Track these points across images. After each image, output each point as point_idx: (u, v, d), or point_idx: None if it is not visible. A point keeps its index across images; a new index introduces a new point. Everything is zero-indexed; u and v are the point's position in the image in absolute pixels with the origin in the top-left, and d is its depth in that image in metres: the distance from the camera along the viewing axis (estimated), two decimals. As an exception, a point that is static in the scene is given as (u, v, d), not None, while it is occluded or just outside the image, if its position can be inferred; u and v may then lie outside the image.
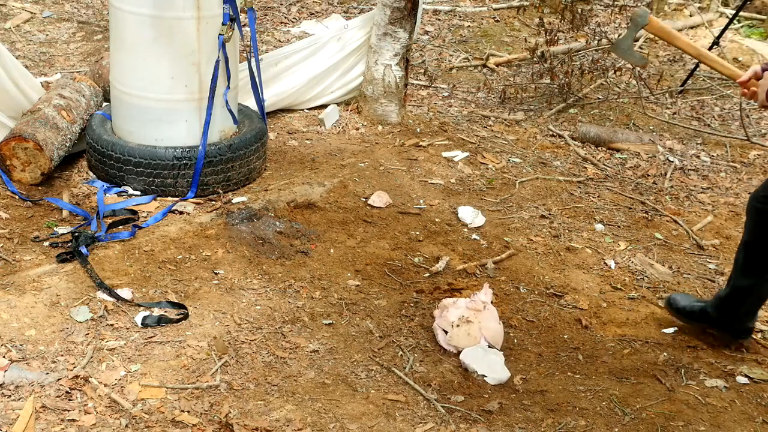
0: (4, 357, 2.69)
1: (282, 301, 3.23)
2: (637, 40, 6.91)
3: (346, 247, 3.68)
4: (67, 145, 4.00)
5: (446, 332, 3.04)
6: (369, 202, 4.08)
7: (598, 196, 4.43)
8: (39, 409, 2.50)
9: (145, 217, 3.70)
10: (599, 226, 4.11)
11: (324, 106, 5.12)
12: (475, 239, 3.88)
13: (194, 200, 3.89)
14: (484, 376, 2.88)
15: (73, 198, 3.81)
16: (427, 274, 3.54)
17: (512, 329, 3.22)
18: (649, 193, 4.54)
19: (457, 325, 3.01)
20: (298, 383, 2.79)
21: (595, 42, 6.39)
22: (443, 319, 3.08)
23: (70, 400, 2.56)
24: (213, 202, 3.89)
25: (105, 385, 2.64)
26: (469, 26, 7.38)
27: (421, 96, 5.73)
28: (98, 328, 2.92)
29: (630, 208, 4.33)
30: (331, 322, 3.14)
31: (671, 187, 4.64)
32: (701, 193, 4.59)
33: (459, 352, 2.99)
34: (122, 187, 3.88)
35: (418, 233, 3.88)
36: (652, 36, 7.22)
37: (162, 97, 3.82)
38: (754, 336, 3.29)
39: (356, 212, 3.98)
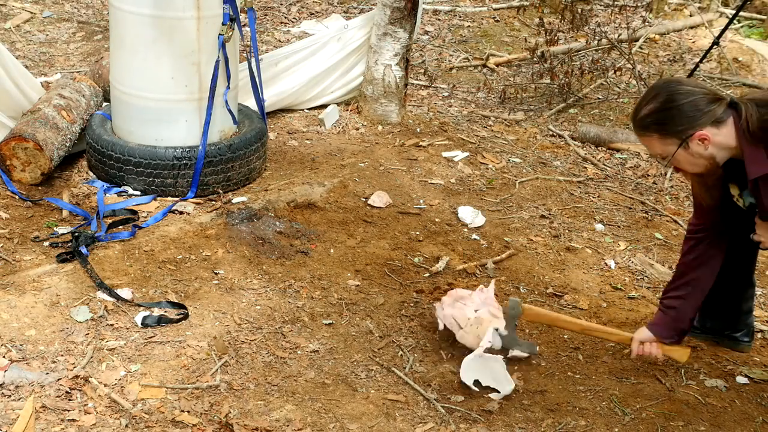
0: (4, 357, 2.69)
1: (282, 301, 3.23)
2: (637, 40, 6.91)
3: (346, 247, 3.68)
4: (67, 145, 4.00)
5: (461, 327, 2.94)
6: (369, 202, 4.08)
7: (598, 196, 4.43)
8: (39, 409, 2.50)
9: (145, 217, 3.70)
10: (599, 226, 4.11)
11: (324, 106, 5.12)
12: (475, 239, 3.88)
13: (194, 200, 3.89)
14: (491, 388, 2.84)
15: (73, 198, 3.81)
16: (427, 274, 3.54)
17: (512, 329, 3.22)
18: (649, 193, 4.54)
19: (471, 324, 2.93)
20: (298, 383, 2.79)
21: (595, 42, 6.39)
22: (458, 310, 2.96)
23: (70, 400, 2.56)
24: (213, 202, 3.89)
25: (105, 385, 2.64)
26: (469, 26, 7.38)
27: (421, 96, 5.73)
28: (98, 328, 2.92)
29: (630, 208, 4.33)
30: (331, 322, 3.14)
31: (671, 187, 4.64)
32: (701, 193, 4.58)
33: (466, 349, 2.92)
34: (122, 187, 3.88)
35: (418, 233, 3.88)
36: (651, 36, 7.22)
37: (162, 97, 3.82)
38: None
39: (356, 212, 3.98)
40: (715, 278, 2.82)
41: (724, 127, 2.42)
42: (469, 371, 2.83)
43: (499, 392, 2.81)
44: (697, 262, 2.79)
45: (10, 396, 2.54)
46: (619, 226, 4.13)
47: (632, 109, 2.54)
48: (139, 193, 3.87)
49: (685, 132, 2.41)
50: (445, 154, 4.74)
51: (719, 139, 2.42)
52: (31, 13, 6.41)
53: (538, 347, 3.05)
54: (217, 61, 3.81)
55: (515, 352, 2.97)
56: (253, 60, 4.20)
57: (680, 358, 2.87)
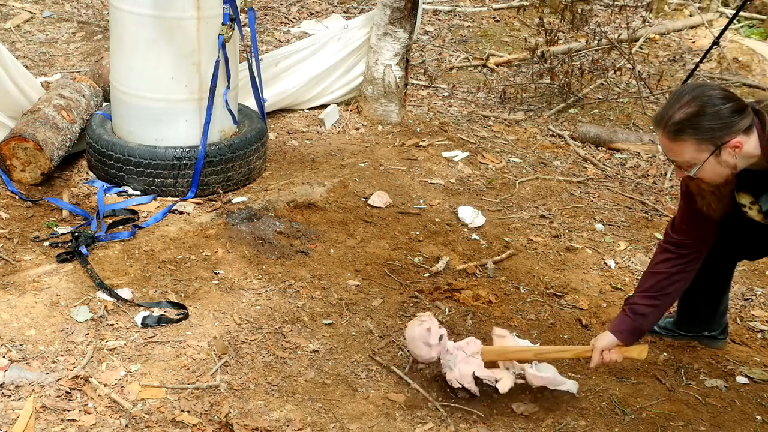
0: (4, 357, 2.69)
1: (282, 301, 3.23)
2: (637, 40, 6.91)
3: (346, 247, 3.68)
4: (67, 145, 4.00)
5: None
6: (369, 202, 4.08)
7: (598, 196, 4.43)
8: (39, 409, 2.50)
9: (145, 217, 3.70)
10: (599, 226, 4.11)
11: (324, 106, 5.12)
12: (475, 239, 3.88)
13: (194, 200, 3.89)
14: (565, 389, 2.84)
15: (73, 198, 3.81)
16: (427, 274, 3.54)
17: (512, 329, 3.22)
18: (649, 193, 4.54)
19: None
20: (298, 383, 2.79)
21: (595, 42, 6.39)
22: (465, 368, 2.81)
23: (70, 400, 2.56)
24: (213, 202, 3.89)
25: (105, 385, 2.64)
26: (469, 26, 7.38)
27: (421, 96, 5.73)
28: (98, 328, 2.92)
29: (630, 208, 4.33)
30: (331, 322, 3.14)
31: (671, 187, 4.64)
32: (701, 193, 4.58)
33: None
34: (122, 187, 3.88)
35: (418, 233, 3.88)
36: (651, 36, 7.22)
37: (162, 97, 3.82)
38: (753, 335, 3.29)
39: (356, 212, 3.98)
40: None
41: (752, 135, 2.35)
42: (535, 377, 2.83)
43: (567, 390, 2.83)
44: (679, 277, 2.71)
45: (10, 396, 2.54)
46: (619, 226, 4.13)
47: (658, 112, 2.42)
48: (139, 193, 3.87)
49: (721, 138, 2.32)
50: (445, 154, 4.74)
51: (747, 147, 2.35)
52: (31, 13, 6.41)
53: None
54: (217, 61, 3.82)
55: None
56: (253, 60, 4.20)
57: (640, 356, 2.78)
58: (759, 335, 3.31)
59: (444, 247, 3.78)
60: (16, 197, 3.78)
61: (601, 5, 7.95)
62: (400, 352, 3.01)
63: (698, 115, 2.31)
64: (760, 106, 2.39)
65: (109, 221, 3.61)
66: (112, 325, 2.95)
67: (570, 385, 2.84)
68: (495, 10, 7.76)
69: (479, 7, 7.82)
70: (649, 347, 3.17)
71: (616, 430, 2.71)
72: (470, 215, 4.04)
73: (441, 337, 2.79)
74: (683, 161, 2.41)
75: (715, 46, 5.80)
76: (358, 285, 3.41)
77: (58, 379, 2.62)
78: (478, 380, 2.75)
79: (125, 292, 3.13)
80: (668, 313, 3.40)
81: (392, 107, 5.05)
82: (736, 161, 2.37)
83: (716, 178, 2.43)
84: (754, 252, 2.92)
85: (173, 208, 3.78)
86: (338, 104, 5.17)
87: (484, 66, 6.47)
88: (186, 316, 3.04)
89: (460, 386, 2.73)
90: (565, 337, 3.21)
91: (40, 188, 3.90)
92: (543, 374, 2.79)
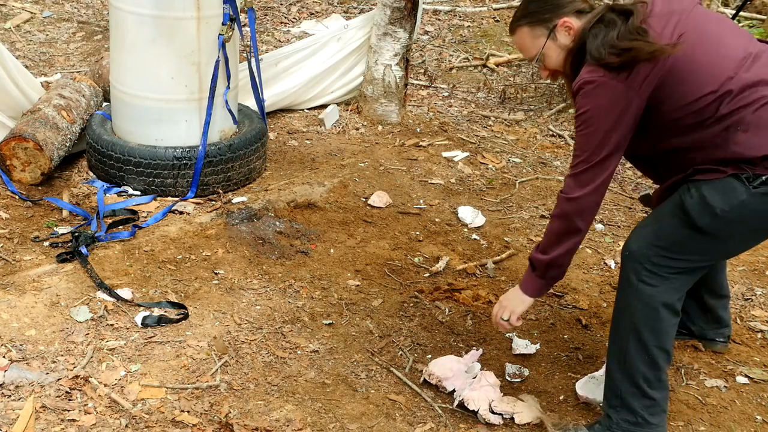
0: (4, 357, 2.69)
1: (282, 301, 3.23)
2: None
3: (346, 247, 3.68)
4: (67, 145, 4.00)
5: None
6: (369, 202, 4.08)
7: (598, 196, 4.42)
8: (39, 409, 2.50)
9: (145, 217, 3.70)
10: (599, 226, 4.11)
11: (324, 106, 5.12)
12: (475, 239, 3.88)
13: (194, 200, 3.89)
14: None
15: (73, 198, 3.81)
16: (427, 274, 3.54)
17: (512, 329, 3.21)
18: (649, 193, 4.54)
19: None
20: (298, 383, 2.79)
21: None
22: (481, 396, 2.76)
23: (70, 400, 2.56)
24: (213, 202, 3.89)
25: (105, 385, 2.64)
26: (469, 26, 7.38)
27: (421, 96, 5.73)
28: (98, 328, 2.92)
29: (630, 208, 4.33)
30: (331, 322, 3.14)
31: (671, 187, 4.63)
32: (701, 193, 4.58)
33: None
34: (122, 187, 3.88)
35: (418, 233, 3.88)
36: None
37: (162, 97, 3.82)
38: (753, 335, 3.29)
39: (356, 212, 3.98)
40: None
41: (583, 20, 2.41)
42: (585, 390, 2.83)
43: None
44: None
45: (10, 396, 2.54)
46: (619, 226, 4.13)
47: None
48: (139, 193, 3.87)
49: (551, 20, 2.43)
50: (445, 154, 4.74)
51: (578, 28, 2.41)
52: (31, 13, 6.41)
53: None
54: (217, 61, 3.82)
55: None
56: (253, 60, 4.20)
57: None
58: (759, 335, 3.31)
59: (444, 247, 3.78)
60: (16, 197, 3.78)
61: (601, 5, 7.95)
62: (400, 352, 3.01)
63: (526, 3, 2.48)
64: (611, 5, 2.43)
65: (109, 221, 3.61)
66: (112, 325, 2.95)
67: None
68: (495, 10, 7.76)
69: (479, 7, 7.82)
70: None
71: (616, 430, 2.71)
72: (470, 215, 4.04)
73: (470, 368, 2.79)
74: (529, 55, 2.52)
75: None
76: (358, 285, 3.41)
77: (58, 379, 2.62)
78: (494, 412, 2.71)
79: (125, 292, 3.13)
80: None
81: (392, 107, 5.05)
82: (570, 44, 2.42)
83: (562, 63, 2.48)
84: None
85: (173, 208, 3.78)
86: (338, 104, 5.17)
87: (484, 66, 6.47)
88: (186, 316, 3.04)
89: (477, 410, 2.69)
90: (565, 337, 3.21)
91: (40, 188, 3.90)
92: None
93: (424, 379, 2.84)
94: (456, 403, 2.72)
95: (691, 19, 2.34)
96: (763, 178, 2.25)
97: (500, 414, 2.68)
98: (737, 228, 2.35)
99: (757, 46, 2.36)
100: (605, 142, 2.33)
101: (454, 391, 2.78)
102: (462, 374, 2.81)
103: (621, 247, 3.85)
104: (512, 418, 2.68)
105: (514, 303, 2.66)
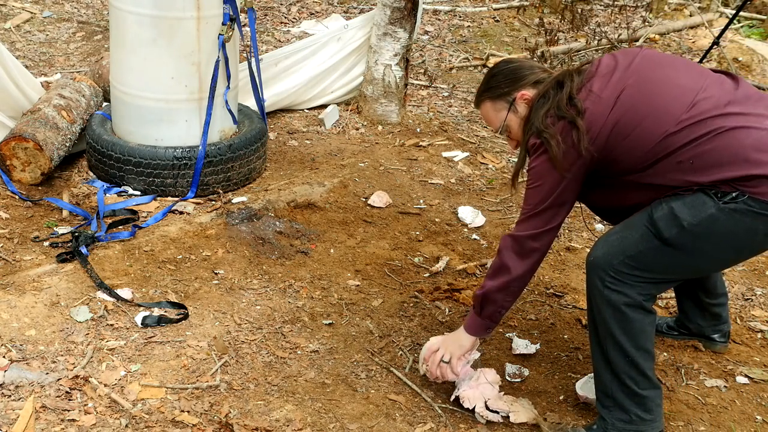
0: (4, 357, 2.69)
1: (282, 301, 3.23)
2: (637, 40, 6.91)
3: (346, 247, 3.68)
4: (67, 145, 4.00)
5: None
6: (369, 202, 4.08)
7: (598, 196, 4.42)
8: (39, 409, 2.50)
9: (145, 217, 3.70)
10: (599, 226, 4.11)
11: (324, 106, 5.12)
12: (475, 239, 3.88)
13: (194, 200, 3.89)
14: None
15: (73, 198, 3.81)
16: (427, 274, 3.54)
17: (512, 329, 3.22)
18: (649, 193, 4.53)
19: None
20: (298, 383, 2.79)
21: (595, 42, 6.39)
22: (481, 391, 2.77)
23: (70, 400, 2.56)
24: (213, 202, 3.89)
25: (105, 385, 2.64)
26: (469, 26, 7.38)
27: (421, 96, 5.73)
28: (98, 328, 2.92)
29: (630, 208, 4.33)
30: (331, 322, 3.14)
31: (671, 187, 4.63)
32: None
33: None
34: (122, 187, 3.88)
35: (418, 233, 3.88)
36: (651, 36, 7.22)
37: (162, 97, 3.82)
38: (753, 335, 3.29)
39: (356, 212, 3.98)
40: None
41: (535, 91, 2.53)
42: (584, 390, 2.82)
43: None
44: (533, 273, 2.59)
45: (10, 396, 2.54)
46: (619, 226, 4.13)
47: None
48: (139, 193, 3.87)
49: (510, 93, 2.56)
50: (445, 154, 4.74)
51: (532, 98, 2.52)
52: (31, 13, 6.41)
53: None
54: (217, 61, 3.82)
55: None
56: (253, 60, 4.20)
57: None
58: (759, 335, 3.31)
59: (444, 247, 3.78)
60: (16, 197, 3.78)
61: (601, 5, 7.95)
62: (400, 352, 3.01)
63: (487, 79, 2.62)
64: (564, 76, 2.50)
65: (109, 221, 3.61)
66: (112, 325, 2.95)
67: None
68: (495, 10, 7.76)
69: (479, 7, 7.82)
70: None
71: (616, 430, 2.71)
72: (470, 215, 4.05)
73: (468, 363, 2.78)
74: (494, 127, 2.65)
75: (715, 46, 5.81)
76: (358, 285, 3.41)
77: (58, 379, 2.62)
78: (490, 410, 2.70)
79: (125, 292, 3.13)
80: (668, 314, 3.40)
81: (392, 107, 5.05)
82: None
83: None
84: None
85: (173, 208, 3.78)
86: (338, 104, 5.17)
87: (484, 66, 6.46)
88: (186, 316, 3.04)
89: (472, 407, 2.69)
90: (565, 337, 3.21)
91: (40, 188, 3.90)
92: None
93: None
94: (453, 398, 2.73)
95: (633, 71, 2.41)
96: (733, 194, 2.26)
97: (496, 411, 2.68)
98: (705, 243, 2.34)
99: (710, 78, 2.39)
100: (551, 197, 2.44)
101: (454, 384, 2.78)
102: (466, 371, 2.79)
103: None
104: (508, 417, 2.68)
105: (453, 344, 2.70)
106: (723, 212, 2.28)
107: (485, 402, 2.69)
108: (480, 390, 2.72)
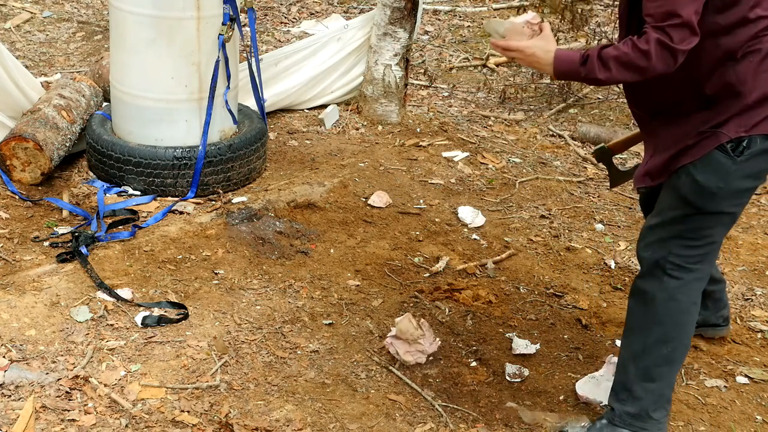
0: (4, 357, 2.69)
1: (282, 301, 3.23)
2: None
3: (346, 247, 3.68)
4: (67, 145, 4.00)
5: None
6: (369, 202, 4.08)
7: (598, 196, 4.43)
8: (39, 409, 2.50)
9: (145, 217, 3.70)
10: (599, 226, 4.11)
11: (324, 106, 5.12)
12: (475, 239, 3.88)
13: (194, 200, 3.89)
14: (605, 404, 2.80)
15: (73, 198, 3.81)
16: (427, 274, 3.54)
17: (512, 329, 3.22)
18: (649, 193, 4.54)
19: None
20: (298, 383, 2.79)
21: (595, 42, 6.39)
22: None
23: (70, 400, 2.56)
24: (213, 202, 3.89)
25: (105, 385, 2.64)
26: (469, 26, 7.38)
27: (421, 96, 5.73)
28: (98, 328, 2.92)
29: (630, 208, 4.33)
30: (331, 322, 3.14)
31: (671, 187, 4.63)
32: (701, 193, 4.58)
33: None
34: (122, 187, 3.88)
35: (418, 233, 3.88)
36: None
37: (162, 97, 3.82)
38: (753, 335, 3.29)
39: (356, 212, 3.98)
40: None
41: None
42: (584, 390, 2.83)
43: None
44: None
45: (10, 396, 2.54)
46: (619, 226, 4.13)
47: None
48: (139, 193, 3.87)
49: None
50: (445, 154, 4.74)
51: None
52: (31, 13, 6.41)
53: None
54: (217, 61, 3.82)
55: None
56: (253, 60, 4.20)
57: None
58: (759, 335, 3.31)
59: (444, 247, 3.78)
60: (16, 197, 3.78)
61: (601, 5, 7.95)
62: (400, 352, 3.01)
63: None
64: None
65: (109, 221, 3.61)
66: (112, 325, 2.95)
67: None
68: (495, 10, 7.76)
69: (479, 7, 7.82)
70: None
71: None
72: (470, 215, 4.04)
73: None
74: None
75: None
76: (358, 285, 3.41)
77: (58, 379, 2.62)
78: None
79: (125, 292, 3.13)
80: None
81: (392, 107, 5.05)
82: None
83: None
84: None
85: (173, 208, 3.78)
86: (338, 104, 5.17)
87: (484, 66, 6.47)
88: (186, 316, 3.04)
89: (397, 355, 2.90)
90: (565, 337, 3.21)
91: (40, 188, 3.90)
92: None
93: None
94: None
95: None
96: (744, 143, 2.32)
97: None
98: (737, 194, 2.42)
99: None
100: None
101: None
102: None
103: (621, 248, 3.88)
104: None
105: (539, 48, 2.40)
106: (742, 164, 2.34)
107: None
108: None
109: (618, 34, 2.62)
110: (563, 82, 5.77)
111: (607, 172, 3.25)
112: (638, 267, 3.73)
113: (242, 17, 3.98)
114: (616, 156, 3.23)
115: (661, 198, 2.52)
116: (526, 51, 2.42)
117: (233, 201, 3.91)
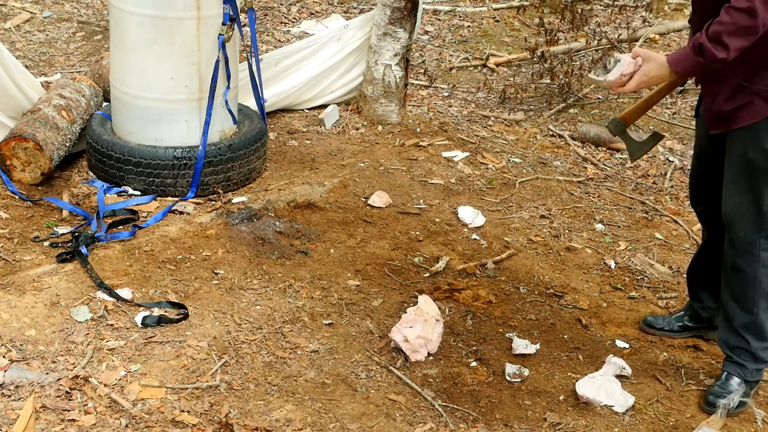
0: (4, 357, 2.69)
1: (282, 301, 3.23)
2: (637, 40, 6.91)
3: (346, 247, 3.68)
4: (67, 145, 4.00)
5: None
6: (369, 202, 4.08)
7: (598, 196, 4.43)
8: (39, 409, 2.50)
9: (145, 217, 3.70)
10: (599, 226, 4.11)
11: (324, 106, 5.12)
12: (475, 239, 3.88)
13: (194, 200, 3.89)
14: (610, 406, 2.81)
15: (73, 198, 3.81)
16: (427, 274, 3.54)
17: (512, 329, 3.22)
18: (649, 193, 4.54)
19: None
20: (298, 383, 2.79)
21: (595, 42, 6.39)
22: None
23: (70, 400, 2.56)
24: (213, 202, 3.89)
25: (105, 385, 2.64)
26: (469, 26, 7.38)
27: (421, 96, 5.73)
28: (98, 328, 2.92)
29: (630, 208, 4.33)
30: (331, 322, 3.14)
31: (671, 187, 4.64)
32: (701, 193, 4.58)
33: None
34: (122, 187, 3.88)
35: (418, 233, 3.88)
36: (651, 36, 7.23)
37: (162, 97, 3.82)
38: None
39: (356, 212, 3.98)
40: None
41: None
42: (585, 389, 2.83)
43: (615, 408, 2.80)
44: None
45: (10, 396, 2.54)
46: (619, 226, 4.13)
47: None
48: (139, 193, 3.87)
49: None
50: (445, 154, 4.74)
51: None
52: (31, 13, 6.41)
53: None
54: (217, 61, 3.82)
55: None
56: (253, 60, 4.20)
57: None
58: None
59: (444, 247, 3.78)
60: (16, 197, 3.78)
61: (601, 5, 7.95)
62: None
63: None
64: None
65: (109, 221, 3.61)
66: (112, 325, 2.95)
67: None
68: (495, 10, 7.76)
69: (479, 7, 7.82)
70: (649, 347, 3.18)
71: (616, 430, 2.71)
72: (470, 215, 4.05)
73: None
74: None
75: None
76: (358, 285, 3.41)
77: (58, 379, 2.63)
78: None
79: (125, 292, 3.13)
80: (668, 313, 3.40)
81: (392, 107, 5.05)
82: None
83: None
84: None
85: (173, 208, 3.78)
86: (338, 104, 5.17)
87: (484, 66, 6.47)
88: (186, 316, 3.04)
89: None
90: (565, 337, 3.21)
91: (40, 188, 3.90)
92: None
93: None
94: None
95: None
96: None
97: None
98: None
99: None
100: None
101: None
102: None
103: (621, 248, 3.87)
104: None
105: (652, 67, 2.60)
106: None
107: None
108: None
109: (691, 19, 2.73)
110: (563, 81, 5.77)
111: (625, 147, 3.27)
112: (638, 267, 3.75)
113: (242, 17, 3.98)
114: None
115: (731, 183, 2.69)
116: (644, 78, 2.61)
117: (233, 201, 3.91)
